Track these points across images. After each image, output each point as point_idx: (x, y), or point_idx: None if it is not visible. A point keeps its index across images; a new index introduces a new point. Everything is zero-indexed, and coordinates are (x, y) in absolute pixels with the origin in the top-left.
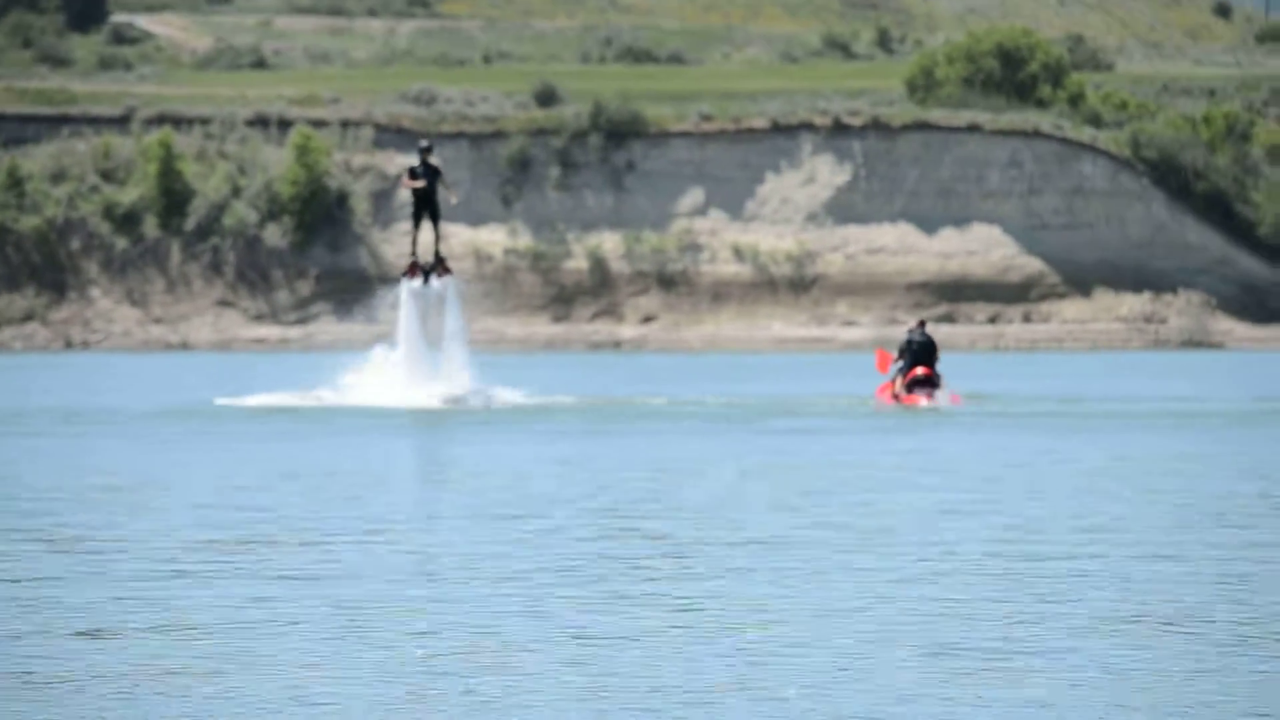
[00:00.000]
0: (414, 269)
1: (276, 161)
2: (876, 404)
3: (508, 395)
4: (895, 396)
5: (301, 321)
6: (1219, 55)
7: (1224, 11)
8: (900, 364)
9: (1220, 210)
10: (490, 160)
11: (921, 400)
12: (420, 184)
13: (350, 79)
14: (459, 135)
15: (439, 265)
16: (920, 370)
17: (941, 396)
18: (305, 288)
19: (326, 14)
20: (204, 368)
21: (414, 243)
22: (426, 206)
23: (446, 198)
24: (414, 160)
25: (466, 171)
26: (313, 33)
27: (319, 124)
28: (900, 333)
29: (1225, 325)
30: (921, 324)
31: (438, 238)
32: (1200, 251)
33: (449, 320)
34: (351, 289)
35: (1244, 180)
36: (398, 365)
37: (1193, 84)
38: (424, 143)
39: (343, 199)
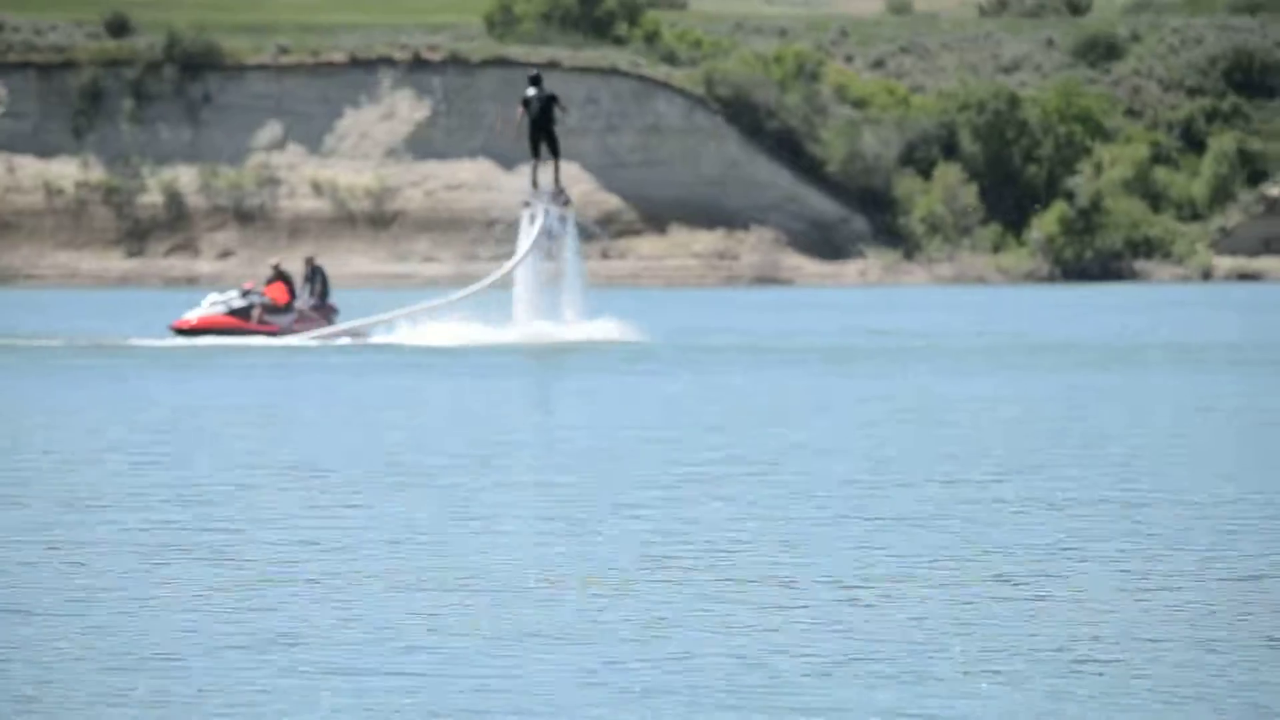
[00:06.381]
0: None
1: None
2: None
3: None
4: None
5: None
6: None
7: None
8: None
9: (790, 149)
10: (60, 91)
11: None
12: (518, 116)
13: None
14: (26, 65)
15: (559, 196)
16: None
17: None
18: None
19: None
20: None
21: (534, 173)
22: (544, 137)
23: (563, 119)
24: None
25: (35, 103)
26: None
27: None
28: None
29: (795, 262)
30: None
31: (557, 168)
32: (771, 189)
33: (567, 254)
34: None
35: (813, 119)
36: (515, 301)
37: (764, 23)
38: (533, 71)
39: None
